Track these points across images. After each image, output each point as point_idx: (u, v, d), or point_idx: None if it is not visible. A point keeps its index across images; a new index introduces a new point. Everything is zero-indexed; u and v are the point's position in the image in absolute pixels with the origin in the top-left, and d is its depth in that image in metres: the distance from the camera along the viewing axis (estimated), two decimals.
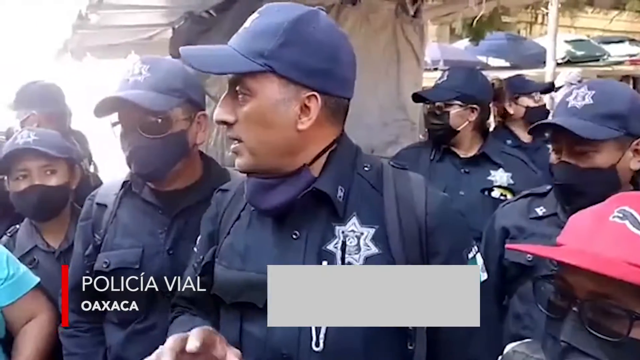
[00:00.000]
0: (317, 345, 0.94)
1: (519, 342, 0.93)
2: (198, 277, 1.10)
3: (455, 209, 1.10)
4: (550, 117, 1.50)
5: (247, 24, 0.97)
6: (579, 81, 4.03)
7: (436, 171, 2.14)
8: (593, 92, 1.39)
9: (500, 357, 0.93)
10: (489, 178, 2.10)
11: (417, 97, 2.31)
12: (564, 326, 0.73)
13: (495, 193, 2.08)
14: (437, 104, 2.15)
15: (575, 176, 1.39)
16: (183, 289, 1.17)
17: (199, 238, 1.16)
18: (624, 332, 0.69)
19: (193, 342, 0.84)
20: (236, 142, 0.98)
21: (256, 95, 0.94)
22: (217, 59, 0.96)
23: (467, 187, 2.10)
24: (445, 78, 2.20)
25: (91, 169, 2.73)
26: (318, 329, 0.95)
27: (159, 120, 1.32)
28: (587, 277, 0.71)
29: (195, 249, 1.16)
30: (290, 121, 0.95)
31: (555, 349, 0.74)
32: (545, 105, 2.88)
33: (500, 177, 2.10)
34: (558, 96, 3.73)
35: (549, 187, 1.59)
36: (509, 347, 0.93)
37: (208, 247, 1.11)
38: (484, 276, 1.07)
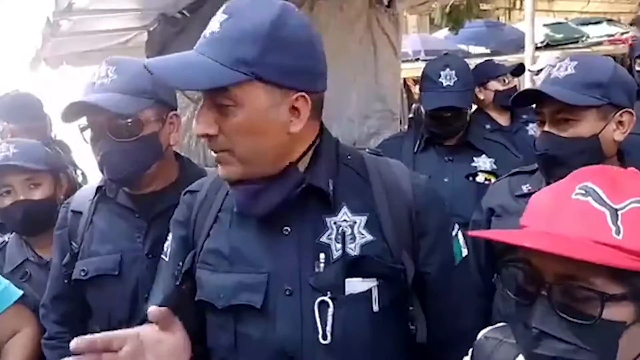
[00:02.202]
0: (325, 338, 0.94)
1: (490, 328, 0.92)
2: (178, 285, 1.06)
3: (437, 190, 1.12)
4: None
5: (215, 27, 0.91)
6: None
7: (420, 161, 2.16)
8: (575, 62, 1.41)
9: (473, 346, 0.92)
10: (473, 164, 2.12)
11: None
12: (534, 312, 0.71)
13: (480, 178, 2.10)
14: None
15: (557, 145, 1.38)
16: (156, 299, 1.09)
17: (167, 244, 1.12)
18: (596, 314, 0.67)
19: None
20: (221, 152, 0.95)
21: (243, 106, 0.91)
22: (194, 73, 0.89)
23: (451, 174, 2.12)
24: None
25: (79, 178, 2.70)
26: (324, 321, 0.94)
27: (129, 123, 1.29)
28: (554, 259, 0.68)
29: (164, 257, 1.12)
30: (282, 126, 0.94)
31: (527, 336, 0.72)
32: (515, 87, 2.88)
33: (483, 162, 2.12)
34: (540, 79, 3.74)
35: (537, 165, 1.59)
36: (481, 334, 0.92)
37: (184, 253, 1.07)
38: (465, 252, 1.10)
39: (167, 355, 0.92)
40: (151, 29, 3.25)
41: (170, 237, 1.12)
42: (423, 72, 2.21)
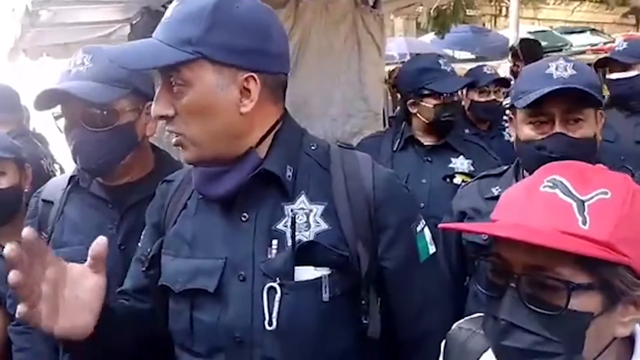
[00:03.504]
0: (270, 324, 0.93)
1: (465, 319, 0.92)
2: (144, 270, 1.07)
3: (402, 184, 1.11)
4: (514, 98, 1.46)
5: (167, 13, 0.95)
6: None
7: (398, 160, 2.15)
8: (570, 63, 1.41)
9: (446, 336, 0.92)
10: (450, 165, 2.12)
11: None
12: (502, 304, 0.71)
13: (457, 180, 2.09)
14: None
15: (572, 147, 1.35)
16: (125, 284, 1.13)
17: (144, 231, 1.13)
18: (563, 304, 0.68)
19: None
20: (178, 135, 0.96)
21: (192, 86, 0.92)
22: (143, 54, 0.93)
23: (429, 174, 2.12)
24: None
25: (57, 172, 2.65)
26: (271, 308, 0.93)
27: (104, 113, 1.27)
28: (523, 250, 0.69)
29: (139, 243, 1.13)
30: (232, 106, 0.94)
31: (495, 327, 0.72)
32: (494, 100, 2.93)
33: (461, 164, 2.12)
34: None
35: (505, 167, 1.61)
36: (455, 325, 0.92)
37: (154, 239, 1.08)
38: (432, 249, 1.09)
39: (84, 293, 0.88)
40: (134, 22, 3.21)
41: (146, 222, 1.14)
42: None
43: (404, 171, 2.06)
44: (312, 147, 1.04)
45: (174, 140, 0.97)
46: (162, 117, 0.95)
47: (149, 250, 1.07)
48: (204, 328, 0.98)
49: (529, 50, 3.34)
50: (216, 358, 0.98)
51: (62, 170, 2.69)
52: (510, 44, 6.28)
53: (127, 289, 1.12)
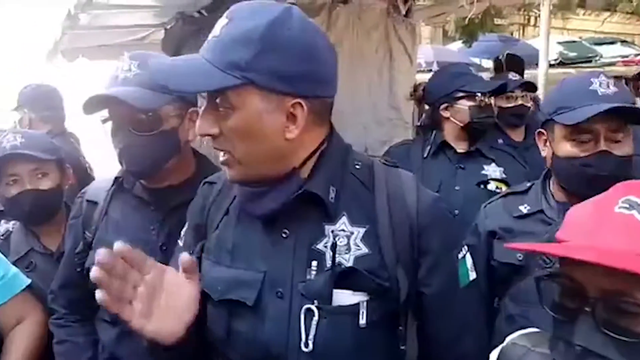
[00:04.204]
0: (307, 346, 0.93)
1: (519, 334, 0.90)
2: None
3: (446, 208, 1.09)
4: (555, 113, 1.44)
5: (216, 31, 0.92)
6: None
7: (430, 167, 2.14)
8: (609, 80, 1.40)
9: (499, 349, 0.91)
10: (483, 172, 2.12)
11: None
12: (577, 328, 0.69)
13: (491, 186, 2.09)
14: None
15: (617, 165, 1.34)
16: None
17: (183, 231, 1.14)
18: None
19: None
20: (224, 153, 0.95)
21: (238, 109, 0.90)
22: (190, 76, 0.90)
23: (462, 181, 2.11)
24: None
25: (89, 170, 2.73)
26: (307, 330, 0.93)
27: (149, 118, 1.30)
28: (599, 273, 0.67)
29: (179, 242, 1.14)
30: (277, 131, 0.92)
31: (570, 353, 0.70)
32: (522, 104, 2.87)
33: (493, 171, 2.12)
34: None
35: (528, 184, 1.58)
36: (508, 339, 0.90)
37: (196, 241, 1.09)
38: (473, 275, 1.07)
39: (179, 301, 0.93)
40: (168, 26, 3.27)
41: (186, 224, 1.14)
42: None
43: (436, 178, 2.06)
44: (357, 167, 1.02)
45: (221, 158, 0.96)
46: (206, 135, 0.95)
47: (190, 252, 1.07)
48: (240, 339, 0.98)
49: (513, 64, 3.33)
50: None
51: (90, 169, 2.76)
52: (540, 54, 6.22)
53: None
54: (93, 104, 1.30)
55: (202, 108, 0.95)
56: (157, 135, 1.31)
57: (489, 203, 1.65)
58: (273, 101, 0.90)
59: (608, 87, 1.37)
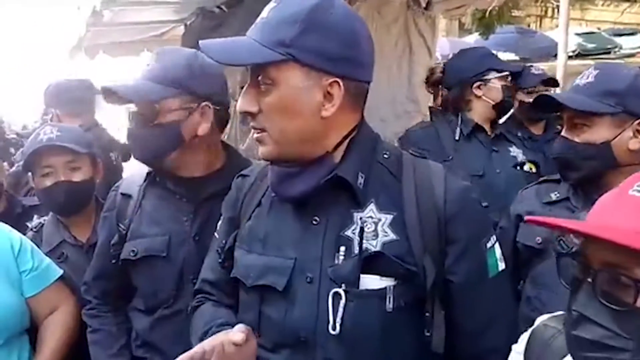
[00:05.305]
0: (334, 329, 0.95)
1: (550, 315, 0.93)
2: (220, 262, 1.12)
3: (475, 198, 1.10)
4: None
5: (264, 13, 0.98)
6: None
7: (465, 150, 2.15)
8: (597, 71, 1.46)
9: (530, 330, 0.93)
10: (512, 154, 2.17)
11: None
12: (578, 296, 0.74)
13: (527, 167, 2.15)
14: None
15: (568, 149, 1.46)
16: (206, 274, 1.19)
17: (219, 223, 1.18)
18: (631, 302, 0.71)
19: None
20: (259, 131, 0.99)
21: (279, 85, 0.95)
22: (237, 51, 0.97)
23: (500, 165, 2.15)
24: None
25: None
26: (335, 313, 0.95)
27: (149, 110, 1.33)
28: (603, 247, 0.72)
29: (216, 234, 1.18)
30: (314, 109, 0.96)
31: (568, 319, 0.76)
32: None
33: (517, 153, 2.18)
34: None
35: None
36: (539, 320, 0.93)
37: (230, 232, 1.13)
38: (502, 266, 1.07)
39: (243, 356, 0.98)
40: (188, 22, 3.29)
41: (222, 217, 1.18)
42: None
43: (473, 161, 2.11)
44: (385, 155, 1.05)
45: (255, 135, 1.00)
46: (246, 112, 0.99)
47: (224, 242, 1.12)
48: (270, 324, 1.02)
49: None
50: (281, 353, 1.01)
51: (117, 159, 2.81)
52: (559, 45, 6.14)
53: (210, 279, 1.18)
54: (104, 95, 1.37)
55: (245, 87, 0.99)
56: (153, 127, 1.34)
57: (526, 188, 1.71)
58: (312, 78, 0.95)
59: (587, 78, 1.46)
